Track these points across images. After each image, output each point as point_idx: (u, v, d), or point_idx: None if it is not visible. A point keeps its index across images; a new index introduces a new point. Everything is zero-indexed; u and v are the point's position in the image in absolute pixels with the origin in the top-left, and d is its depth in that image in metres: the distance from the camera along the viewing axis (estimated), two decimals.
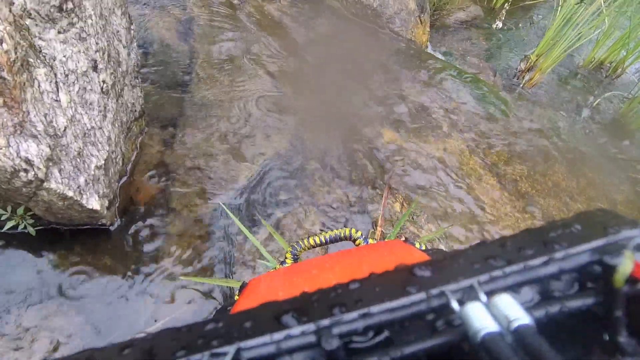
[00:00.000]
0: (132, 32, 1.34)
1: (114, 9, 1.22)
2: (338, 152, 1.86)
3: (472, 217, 1.79)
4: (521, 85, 3.04)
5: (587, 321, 0.25)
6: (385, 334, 0.24)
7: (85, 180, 0.99)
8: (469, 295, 0.24)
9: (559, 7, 2.75)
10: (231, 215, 1.14)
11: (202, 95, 1.92)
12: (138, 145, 1.49)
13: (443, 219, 1.71)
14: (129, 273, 1.29)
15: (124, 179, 1.38)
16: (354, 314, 0.23)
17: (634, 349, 0.23)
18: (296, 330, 0.23)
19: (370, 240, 0.70)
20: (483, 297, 0.23)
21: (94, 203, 0.99)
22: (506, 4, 3.66)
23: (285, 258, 0.72)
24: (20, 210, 1.01)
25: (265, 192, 1.62)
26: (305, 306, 0.24)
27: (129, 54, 1.32)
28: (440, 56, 2.97)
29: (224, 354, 0.22)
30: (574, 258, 0.25)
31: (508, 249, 0.27)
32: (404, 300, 0.24)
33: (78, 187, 0.96)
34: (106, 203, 1.08)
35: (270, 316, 0.24)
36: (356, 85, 2.22)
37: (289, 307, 0.24)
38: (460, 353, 0.23)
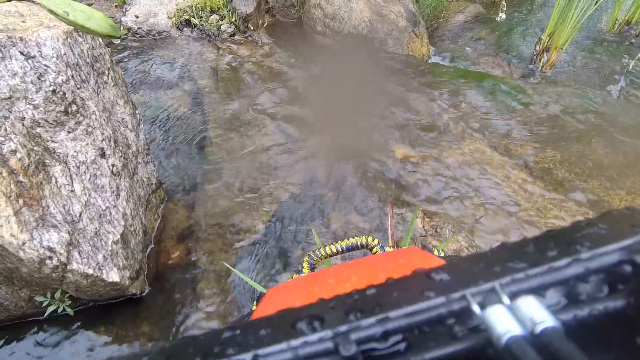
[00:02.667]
0: (137, 116, 1.50)
1: (116, 101, 1.38)
2: (352, 180, 1.86)
3: (507, 218, 1.66)
4: (539, 69, 2.88)
5: (618, 324, 0.23)
6: (405, 340, 0.23)
7: (104, 256, 1.08)
8: (490, 298, 0.23)
9: None
10: (238, 273, 1.18)
11: (217, 156, 2.06)
12: (160, 214, 1.61)
13: (471, 228, 1.61)
14: (165, 337, 1.35)
15: (150, 247, 1.48)
16: (371, 320, 0.23)
17: None
18: (313, 336, 0.22)
19: (387, 248, 0.68)
20: (506, 300, 0.23)
21: (113, 276, 1.08)
22: None
23: (302, 267, 0.71)
24: (57, 294, 1.12)
25: (283, 233, 1.65)
26: (322, 312, 0.24)
27: (137, 136, 1.46)
28: (443, 63, 2.94)
29: None
30: (601, 258, 0.24)
31: (530, 251, 0.26)
32: (422, 305, 0.23)
33: (97, 264, 1.06)
34: (128, 274, 1.17)
35: (287, 323, 0.24)
36: (361, 112, 2.25)
37: (306, 313, 0.24)
38: (484, 358, 0.22)
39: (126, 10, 2.82)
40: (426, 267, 0.27)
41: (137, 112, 1.51)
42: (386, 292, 0.25)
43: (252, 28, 2.79)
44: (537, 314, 0.21)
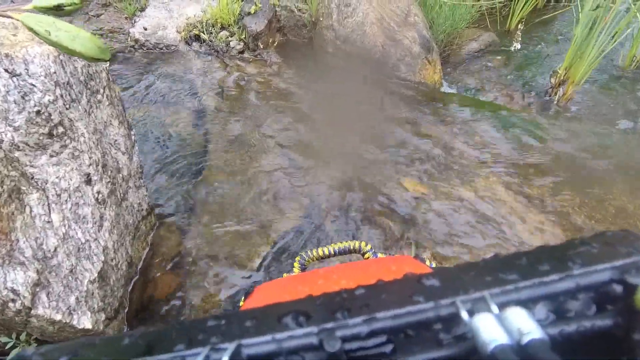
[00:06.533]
0: (132, 137, 1.41)
1: (110, 121, 1.29)
2: (357, 214, 1.75)
3: None
4: (555, 103, 2.79)
5: (605, 343, 0.24)
6: (390, 342, 0.23)
7: (77, 298, 0.97)
8: (479, 306, 0.23)
9: (579, 14, 2.57)
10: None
11: (216, 180, 1.96)
12: (149, 242, 1.50)
13: None
14: None
15: (135, 279, 1.37)
16: (358, 319, 0.23)
17: None
18: (298, 331, 0.22)
19: (379, 255, 0.67)
20: (495, 309, 0.22)
21: (85, 322, 0.96)
22: (520, 24, 3.52)
23: (293, 267, 0.70)
24: (22, 337, 1.01)
25: (280, 268, 1.53)
26: (309, 309, 0.24)
27: (130, 159, 1.37)
28: (456, 92, 2.86)
29: (224, 349, 0.22)
30: (592, 276, 0.24)
31: (523, 264, 0.26)
32: (411, 308, 0.23)
33: (68, 308, 0.94)
34: (103, 317, 1.05)
35: (273, 316, 0.24)
36: (370, 140, 2.16)
37: (293, 308, 0.24)
38: None
39: (135, 22, 2.78)
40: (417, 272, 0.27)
41: (132, 132, 1.42)
42: (375, 293, 0.25)
43: (261, 46, 2.73)
44: (525, 325, 0.21)
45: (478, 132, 2.24)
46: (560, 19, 3.85)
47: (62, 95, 1.08)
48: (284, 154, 2.05)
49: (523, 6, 3.57)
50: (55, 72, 1.06)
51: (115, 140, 1.30)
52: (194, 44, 2.79)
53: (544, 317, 0.24)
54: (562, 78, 2.80)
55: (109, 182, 1.21)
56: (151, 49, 2.73)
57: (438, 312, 0.23)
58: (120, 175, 1.29)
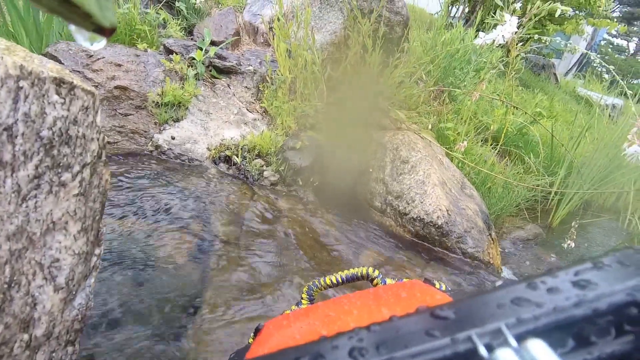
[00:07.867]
0: (93, 261, 0.75)
1: (64, 223, 0.67)
2: None
3: None
4: None
5: None
6: None
7: None
8: (497, 340, 0.21)
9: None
10: None
11: (202, 349, 1.19)
12: None
13: None
14: None
15: None
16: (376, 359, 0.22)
17: None
18: None
19: (388, 280, 0.63)
20: (513, 342, 0.21)
21: None
22: (575, 222, 3.24)
23: (301, 299, 0.65)
24: None
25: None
26: (324, 351, 0.23)
27: (66, 302, 0.68)
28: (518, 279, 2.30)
29: None
30: (608, 298, 0.23)
31: (536, 290, 0.25)
32: (428, 345, 0.22)
33: None
34: None
35: None
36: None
37: (307, 352, 0.23)
38: None
39: (164, 129, 2.46)
40: (428, 300, 0.28)
41: (97, 252, 0.77)
42: (390, 330, 0.24)
43: (301, 183, 2.32)
44: (546, 358, 0.20)
45: None
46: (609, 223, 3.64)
47: None
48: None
49: (568, 202, 3.39)
50: None
51: (56, 260, 0.65)
52: (221, 164, 2.40)
53: (563, 344, 0.22)
54: None
55: None
56: (171, 159, 2.31)
57: (455, 349, 0.21)
58: (26, 336, 0.58)
